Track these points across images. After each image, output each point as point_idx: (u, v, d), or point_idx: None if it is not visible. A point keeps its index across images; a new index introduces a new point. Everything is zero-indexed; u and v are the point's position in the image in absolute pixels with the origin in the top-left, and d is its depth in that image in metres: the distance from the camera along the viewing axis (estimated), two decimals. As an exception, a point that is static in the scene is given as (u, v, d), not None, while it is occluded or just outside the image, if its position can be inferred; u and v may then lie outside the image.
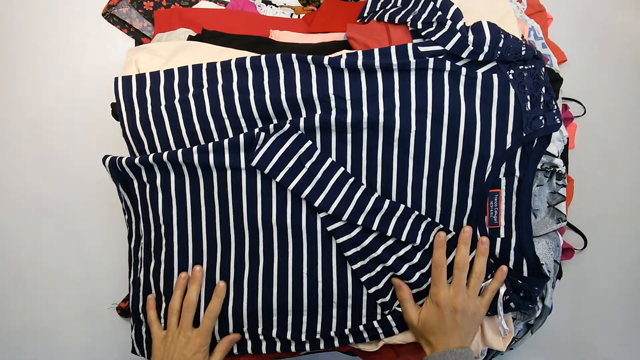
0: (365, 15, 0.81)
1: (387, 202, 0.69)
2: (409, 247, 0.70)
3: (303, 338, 0.72)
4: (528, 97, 0.70)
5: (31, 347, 0.95)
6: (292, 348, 0.73)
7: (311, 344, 0.73)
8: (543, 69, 0.71)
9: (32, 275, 0.97)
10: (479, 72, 0.70)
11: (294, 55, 0.70)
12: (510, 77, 0.70)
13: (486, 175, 0.71)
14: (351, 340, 0.73)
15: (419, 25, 0.72)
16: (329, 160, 0.70)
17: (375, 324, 0.71)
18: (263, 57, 0.71)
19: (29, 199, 0.97)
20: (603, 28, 1.02)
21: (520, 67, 0.70)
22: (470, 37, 0.69)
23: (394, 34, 0.75)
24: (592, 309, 0.94)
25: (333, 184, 0.69)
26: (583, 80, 0.99)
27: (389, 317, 0.71)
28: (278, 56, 0.70)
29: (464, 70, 0.70)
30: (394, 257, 0.70)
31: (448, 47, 0.69)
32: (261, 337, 0.73)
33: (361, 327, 0.71)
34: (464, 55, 0.69)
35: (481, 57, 0.69)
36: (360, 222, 0.69)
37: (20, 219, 0.97)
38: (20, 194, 0.98)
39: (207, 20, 0.88)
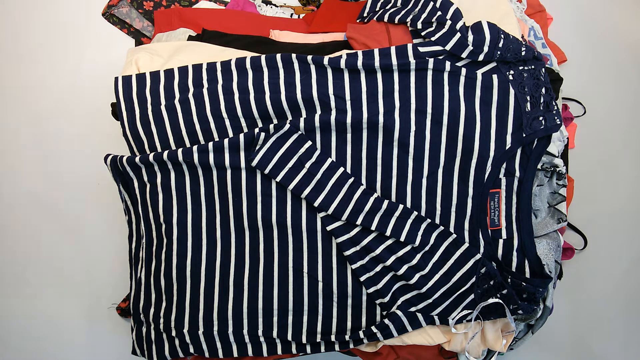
0: (365, 15, 0.81)
1: (385, 202, 0.69)
2: (408, 247, 0.70)
3: (304, 340, 0.72)
4: (528, 97, 0.70)
5: (31, 347, 0.96)
6: (293, 349, 0.73)
7: (312, 347, 0.73)
8: (543, 69, 0.71)
9: (32, 275, 0.97)
10: (479, 72, 0.70)
11: (294, 56, 0.70)
12: (510, 77, 0.70)
13: (485, 176, 0.71)
14: (351, 346, 0.73)
15: (419, 25, 0.72)
16: (329, 161, 0.70)
17: (374, 329, 0.71)
18: (263, 57, 0.71)
19: (30, 198, 0.97)
20: (603, 28, 1.02)
21: (520, 67, 0.70)
22: (470, 37, 0.69)
23: (394, 34, 0.75)
24: (592, 309, 0.94)
25: (332, 184, 0.69)
26: (583, 80, 0.99)
27: (387, 321, 0.71)
28: (278, 56, 0.70)
29: (463, 70, 0.70)
30: (393, 258, 0.70)
31: (448, 47, 0.69)
32: (261, 339, 0.73)
33: (361, 334, 0.71)
34: (463, 55, 0.69)
35: (481, 58, 0.69)
36: (359, 222, 0.69)
37: (21, 218, 0.97)
38: (21, 194, 0.98)
39: (207, 20, 0.88)
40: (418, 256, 0.70)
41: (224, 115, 0.70)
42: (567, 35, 1.01)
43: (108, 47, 1.01)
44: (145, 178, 0.71)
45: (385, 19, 0.76)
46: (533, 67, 0.71)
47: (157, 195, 0.71)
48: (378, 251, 0.70)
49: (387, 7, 0.78)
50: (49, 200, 0.97)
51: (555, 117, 0.70)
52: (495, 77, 0.70)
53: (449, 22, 0.70)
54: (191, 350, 0.71)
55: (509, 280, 0.71)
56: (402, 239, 0.69)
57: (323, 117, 0.69)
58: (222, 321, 0.72)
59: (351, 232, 0.70)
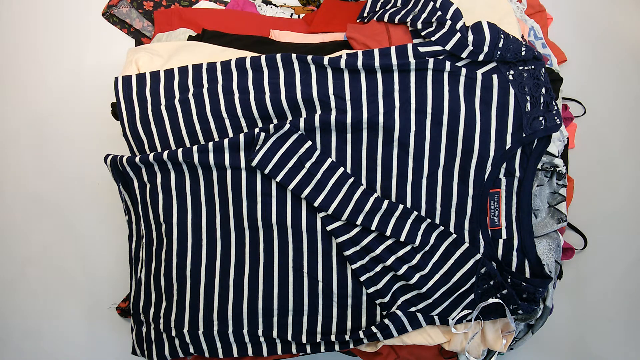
0: (365, 15, 0.81)
1: (385, 202, 0.69)
2: (408, 247, 0.70)
3: (304, 340, 0.72)
4: (528, 97, 0.70)
5: (31, 347, 0.95)
6: (293, 349, 0.73)
7: (312, 347, 0.73)
8: (543, 69, 0.71)
9: (32, 275, 0.97)
10: (479, 72, 0.70)
11: (294, 55, 0.70)
12: (510, 77, 0.70)
13: (485, 176, 0.71)
14: (351, 346, 0.73)
15: (419, 25, 0.72)
16: (329, 161, 0.70)
17: (374, 329, 0.71)
18: (263, 57, 0.71)
19: (30, 198, 0.97)
20: (603, 28, 1.02)
21: (520, 67, 0.70)
22: (470, 37, 0.69)
23: (394, 34, 0.75)
24: (592, 309, 0.94)
25: (332, 184, 0.69)
26: (583, 80, 0.99)
27: (387, 321, 0.71)
28: (278, 56, 0.70)
29: (463, 70, 0.70)
30: (393, 258, 0.70)
31: (448, 47, 0.69)
32: (261, 339, 0.73)
33: (361, 334, 0.71)
34: (463, 55, 0.69)
35: (481, 58, 0.69)
36: (359, 222, 0.69)
37: (21, 219, 0.97)
38: (21, 194, 0.98)
39: (207, 20, 0.88)
40: (418, 256, 0.70)
41: (224, 115, 0.70)
42: (567, 35, 1.01)
43: (108, 47, 1.01)
44: (145, 178, 0.71)
45: (385, 19, 0.76)
46: (533, 67, 0.71)
47: (157, 195, 0.71)
48: (378, 251, 0.70)
49: (387, 7, 0.78)
50: (49, 200, 0.97)
51: (555, 117, 0.70)
52: (495, 77, 0.70)
53: (449, 22, 0.70)
54: (191, 350, 0.71)
55: (509, 280, 0.71)
56: (402, 239, 0.69)
57: (323, 117, 0.69)
58: (222, 321, 0.72)
59: (351, 232, 0.70)
